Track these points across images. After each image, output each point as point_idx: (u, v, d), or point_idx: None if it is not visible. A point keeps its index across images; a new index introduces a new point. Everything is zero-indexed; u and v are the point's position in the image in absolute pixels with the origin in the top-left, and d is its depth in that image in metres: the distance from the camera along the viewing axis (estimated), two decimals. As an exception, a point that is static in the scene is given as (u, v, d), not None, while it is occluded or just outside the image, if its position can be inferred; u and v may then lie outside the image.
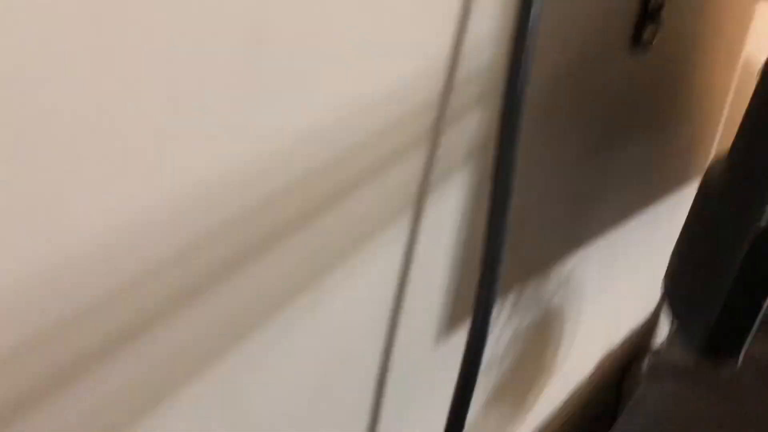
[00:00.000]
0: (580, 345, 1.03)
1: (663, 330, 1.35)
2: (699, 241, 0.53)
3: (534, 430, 0.99)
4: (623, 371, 1.26)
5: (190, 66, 0.31)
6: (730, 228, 0.51)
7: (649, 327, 1.36)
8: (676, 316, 0.52)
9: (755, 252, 0.47)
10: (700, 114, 1.10)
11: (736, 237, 0.49)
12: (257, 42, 0.33)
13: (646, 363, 1.36)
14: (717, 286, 0.49)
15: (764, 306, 0.49)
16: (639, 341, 1.34)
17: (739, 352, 0.48)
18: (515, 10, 0.46)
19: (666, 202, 1.11)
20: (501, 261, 0.48)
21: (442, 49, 0.46)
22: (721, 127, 1.24)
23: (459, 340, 0.58)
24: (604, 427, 1.28)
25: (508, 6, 0.50)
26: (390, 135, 0.44)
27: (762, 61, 0.69)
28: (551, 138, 0.66)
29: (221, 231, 0.36)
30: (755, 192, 0.50)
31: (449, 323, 0.60)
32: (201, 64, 0.31)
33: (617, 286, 1.07)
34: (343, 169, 0.42)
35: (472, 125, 0.51)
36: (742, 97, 1.24)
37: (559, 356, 0.97)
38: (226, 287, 0.37)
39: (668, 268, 0.58)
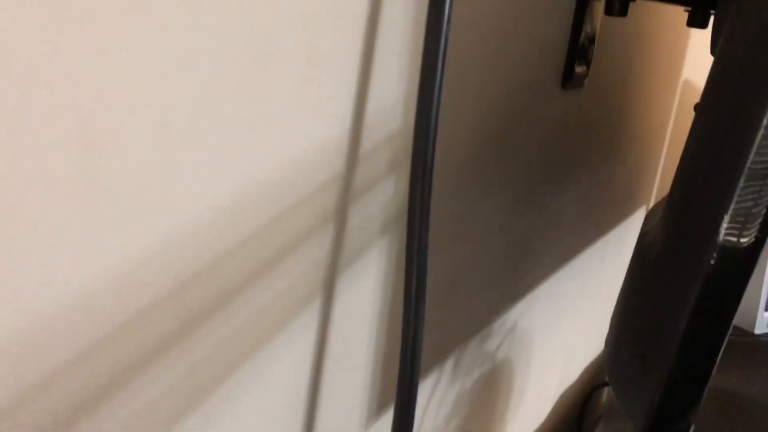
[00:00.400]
0: (534, 389, 0.99)
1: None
2: (636, 306, 0.50)
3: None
4: (583, 404, 1.23)
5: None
6: (672, 282, 0.47)
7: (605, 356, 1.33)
8: (616, 394, 0.48)
9: (703, 302, 0.44)
10: (641, 145, 1.07)
11: (679, 291, 0.46)
12: (89, 151, 0.28)
13: (605, 395, 1.33)
14: (658, 356, 0.45)
15: (713, 372, 0.46)
16: (596, 371, 1.31)
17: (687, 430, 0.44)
18: (420, 66, 0.41)
19: (611, 235, 1.09)
20: (420, 334, 0.43)
21: (341, 121, 0.41)
22: (663, 156, 1.22)
23: (390, 420, 0.53)
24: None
25: (414, 66, 0.46)
26: (287, 220, 0.40)
27: (699, 86, 0.67)
28: (484, 190, 0.62)
29: (98, 347, 0.30)
30: (697, 237, 0.46)
31: (378, 404, 0.55)
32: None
33: (566, 326, 1.04)
34: (232, 264, 0.37)
35: (386, 195, 0.47)
36: (682, 123, 1.23)
37: (512, 404, 0.92)
38: (109, 407, 0.32)
39: (607, 335, 0.54)
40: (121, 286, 0.31)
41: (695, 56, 1.19)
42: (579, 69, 0.75)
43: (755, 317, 1.18)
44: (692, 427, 0.47)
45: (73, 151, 0.27)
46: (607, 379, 0.51)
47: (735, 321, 1.25)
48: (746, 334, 1.20)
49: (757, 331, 1.19)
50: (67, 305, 0.29)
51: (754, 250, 0.41)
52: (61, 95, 0.26)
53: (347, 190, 0.43)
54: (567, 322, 1.03)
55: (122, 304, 0.31)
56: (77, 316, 0.29)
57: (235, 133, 0.35)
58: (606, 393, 1.33)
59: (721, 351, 0.44)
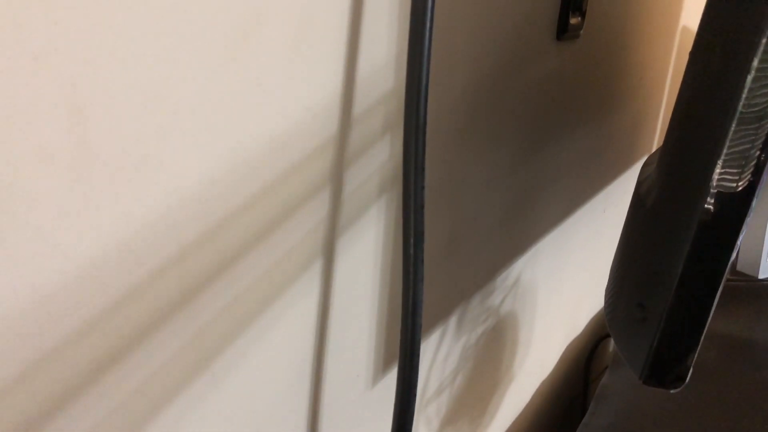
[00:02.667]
0: (540, 342, 1.01)
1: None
2: (634, 254, 0.50)
3: (501, 434, 0.96)
4: (589, 355, 1.24)
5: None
6: (668, 228, 0.48)
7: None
8: (616, 343, 0.49)
9: (698, 248, 0.44)
10: (640, 95, 1.07)
11: (675, 237, 0.46)
12: (80, 113, 0.29)
13: (611, 345, 1.35)
14: (656, 303, 0.46)
15: (709, 317, 0.46)
16: (602, 322, 1.32)
17: (684, 377, 0.45)
18: (408, 26, 0.41)
19: (613, 186, 1.09)
20: (420, 292, 0.44)
21: (333, 83, 0.41)
22: (663, 104, 1.21)
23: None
24: (574, 414, 1.27)
25: (405, 24, 0.46)
26: (284, 185, 0.40)
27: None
28: (480, 147, 0.62)
29: (103, 316, 0.31)
30: (692, 183, 0.46)
31: (384, 361, 0.56)
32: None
33: (571, 279, 1.05)
34: (231, 230, 0.38)
35: (382, 156, 0.47)
36: (682, 71, 1.22)
37: (518, 357, 0.94)
38: (118, 374, 0.33)
39: (607, 286, 0.55)
40: (122, 255, 0.32)
41: (693, 2, 1.17)
42: (574, 20, 0.74)
43: (759, 262, 1.19)
44: (690, 371, 0.48)
45: (66, 122, 0.28)
46: (608, 328, 0.52)
47: (739, 266, 1.26)
48: (750, 279, 1.21)
49: (761, 275, 1.20)
50: (70, 276, 0.30)
51: (747, 193, 0.42)
52: (50, 67, 0.27)
53: (342, 152, 0.44)
54: (571, 275, 1.04)
55: (125, 272, 0.32)
56: (80, 286, 0.30)
57: (227, 99, 0.35)
58: (612, 344, 1.34)
59: (718, 294, 0.44)
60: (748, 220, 0.44)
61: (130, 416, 0.35)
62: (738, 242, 0.45)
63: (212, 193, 0.36)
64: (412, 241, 0.43)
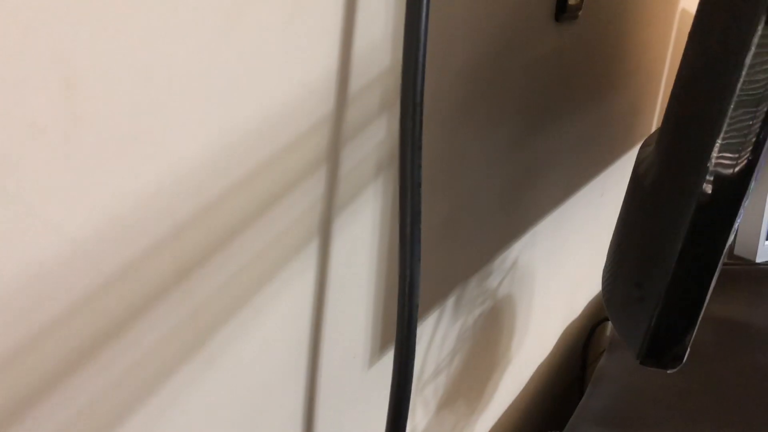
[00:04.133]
0: (538, 325, 1.01)
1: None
2: (632, 234, 0.50)
3: (499, 416, 0.96)
4: (587, 338, 1.25)
5: None
6: (666, 208, 0.47)
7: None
8: (614, 323, 0.49)
9: (696, 228, 0.44)
10: (640, 77, 1.06)
11: (673, 217, 0.46)
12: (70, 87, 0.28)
13: (609, 329, 1.35)
14: (654, 282, 0.46)
15: (707, 296, 0.46)
16: (600, 305, 1.33)
17: (682, 357, 0.45)
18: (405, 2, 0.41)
19: (612, 168, 1.08)
20: (417, 272, 0.44)
21: (329, 60, 0.41)
22: (663, 86, 1.21)
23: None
24: (572, 397, 1.27)
25: (401, 1, 0.45)
26: (280, 163, 0.40)
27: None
28: (478, 128, 0.61)
29: (97, 293, 0.31)
30: (690, 164, 0.46)
31: (382, 342, 0.56)
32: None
33: (569, 262, 1.05)
34: (226, 207, 0.37)
35: (379, 135, 0.47)
36: (681, 51, 1.21)
37: (515, 340, 0.94)
38: (113, 351, 0.33)
39: (604, 266, 0.55)
40: (116, 231, 0.31)
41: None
42: (572, 0, 0.74)
43: (756, 246, 1.19)
44: (688, 351, 0.48)
45: (58, 96, 0.27)
46: (605, 310, 0.52)
47: (736, 250, 1.26)
48: (748, 263, 1.21)
49: (759, 259, 1.20)
50: (63, 253, 0.29)
51: (745, 174, 0.41)
52: (42, 40, 0.26)
53: (339, 130, 0.43)
54: (569, 257, 1.04)
55: (118, 249, 0.32)
56: (74, 262, 0.30)
57: (221, 75, 0.35)
58: (610, 327, 1.34)
59: (716, 274, 0.44)
60: (747, 201, 0.43)
61: (124, 395, 0.35)
62: (736, 223, 0.45)
63: (207, 170, 0.35)
64: (408, 220, 0.42)
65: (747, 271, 1.19)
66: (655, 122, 1.24)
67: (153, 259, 0.34)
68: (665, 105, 1.22)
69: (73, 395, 0.32)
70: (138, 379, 0.35)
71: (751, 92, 0.40)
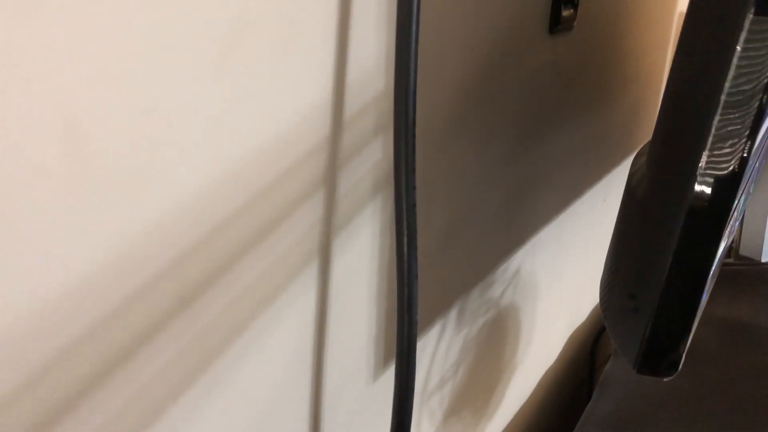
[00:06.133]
0: (543, 332, 1.02)
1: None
2: (625, 245, 0.51)
3: (506, 423, 0.97)
4: (593, 344, 1.25)
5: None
6: (656, 218, 0.48)
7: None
8: (611, 333, 0.50)
9: (686, 236, 0.45)
10: (638, 84, 1.07)
11: (664, 226, 0.47)
12: (76, 138, 0.30)
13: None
14: (647, 293, 0.47)
15: (700, 305, 0.47)
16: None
17: (677, 365, 0.45)
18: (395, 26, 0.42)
19: (612, 175, 1.09)
20: (415, 290, 0.45)
21: (323, 86, 0.42)
22: (662, 93, 1.21)
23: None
24: (580, 402, 1.28)
25: (393, 26, 0.46)
26: (278, 189, 0.41)
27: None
28: (476, 140, 0.62)
29: (103, 324, 0.32)
30: (679, 170, 0.47)
31: (385, 356, 0.57)
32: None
33: (572, 268, 1.06)
34: (227, 235, 0.39)
35: (375, 156, 0.48)
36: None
37: (521, 348, 0.95)
38: (118, 379, 0.34)
39: (601, 278, 0.56)
40: (120, 265, 0.33)
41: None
42: (566, 12, 0.75)
43: (762, 246, 1.19)
44: (683, 359, 0.49)
45: (61, 140, 0.29)
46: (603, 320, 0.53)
47: (742, 250, 1.26)
48: (753, 263, 1.21)
49: (764, 259, 1.20)
50: (69, 288, 0.31)
51: (733, 180, 0.42)
52: (43, 89, 0.28)
53: (336, 154, 0.45)
54: (573, 263, 1.05)
55: (123, 281, 0.33)
56: (80, 295, 0.31)
57: (218, 107, 0.36)
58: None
59: (707, 283, 0.45)
60: (735, 212, 0.44)
61: (131, 420, 0.36)
62: (726, 229, 0.46)
63: (207, 200, 0.37)
64: (405, 240, 0.43)
65: (752, 270, 1.20)
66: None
67: (156, 289, 0.35)
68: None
69: (82, 422, 0.33)
70: (143, 405, 0.36)
71: (738, 93, 0.41)
